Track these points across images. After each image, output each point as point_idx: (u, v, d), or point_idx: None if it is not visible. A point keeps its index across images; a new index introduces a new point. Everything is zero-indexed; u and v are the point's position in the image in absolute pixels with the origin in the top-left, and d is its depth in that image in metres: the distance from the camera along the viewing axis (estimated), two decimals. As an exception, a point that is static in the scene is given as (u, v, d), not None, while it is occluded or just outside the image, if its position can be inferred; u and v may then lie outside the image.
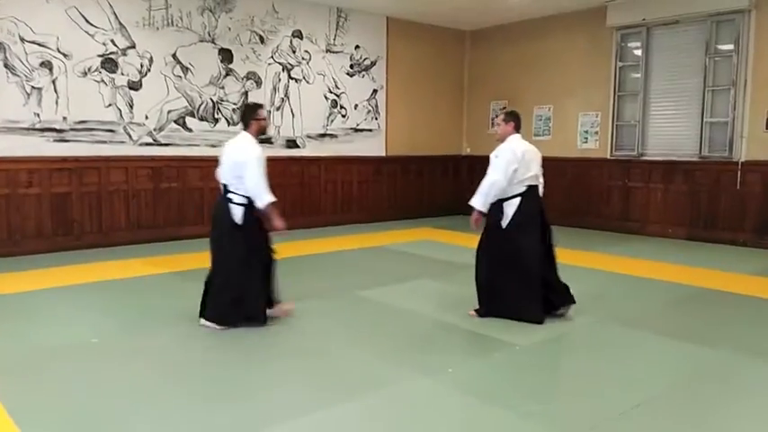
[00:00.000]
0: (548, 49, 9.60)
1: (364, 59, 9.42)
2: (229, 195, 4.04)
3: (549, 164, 9.27)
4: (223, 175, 4.11)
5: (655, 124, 8.48)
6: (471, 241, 7.96)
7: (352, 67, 9.29)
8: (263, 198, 3.99)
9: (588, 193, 9.13)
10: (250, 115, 4.16)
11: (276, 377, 3.40)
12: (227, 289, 4.04)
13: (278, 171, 8.48)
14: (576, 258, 6.63)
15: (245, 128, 4.17)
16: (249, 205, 4.02)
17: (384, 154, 9.77)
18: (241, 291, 4.04)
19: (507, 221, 4.30)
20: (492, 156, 4.42)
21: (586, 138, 9.22)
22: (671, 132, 8.32)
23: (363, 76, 9.44)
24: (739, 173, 7.57)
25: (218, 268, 4.09)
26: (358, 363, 3.57)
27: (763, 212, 7.40)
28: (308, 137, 8.88)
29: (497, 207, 4.32)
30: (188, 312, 4.31)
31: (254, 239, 4.07)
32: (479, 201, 4.34)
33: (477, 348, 3.89)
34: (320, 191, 9.04)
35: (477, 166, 11.01)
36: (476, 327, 4.21)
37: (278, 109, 8.54)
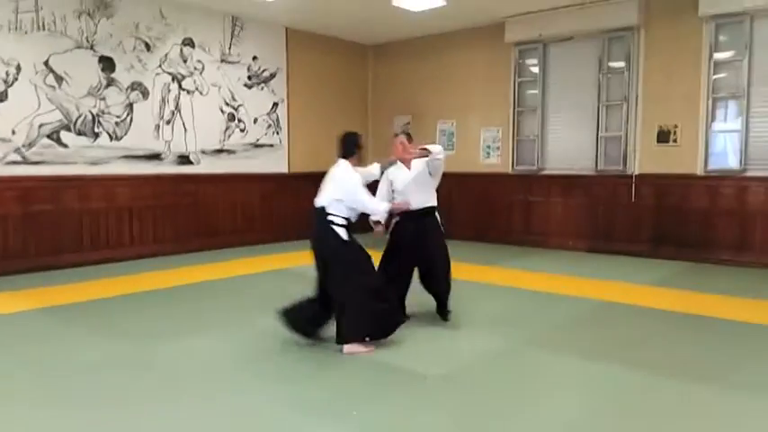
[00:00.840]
0: (450, 65, 9.60)
1: (263, 71, 8.98)
2: (330, 218, 4.02)
3: (454, 179, 9.32)
4: (323, 198, 4.09)
5: (553, 139, 8.65)
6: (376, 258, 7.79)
7: (250, 78, 8.82)
8: (380, 211, 4.16)
9: (492, 208, 9.17)
10: (355, 144, 4.23)
11: (154, 435, 2.91)
12: (371, 300, 3.97)
13: (168, 190, 7.89)
14: (482, 274, 6.53)
15: (346, 156, 4.17)
16: (348, 225, 4.07)
17: (287, 170, 9.35)
18: (384, 295, 4.06)
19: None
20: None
21: (489, 152, 9.26)
22: (568, 147, 8.52)
23: (263, 88, 8.99)
24: (633, 186, 7.83)
25: (348, 287, 3.96)
26: (245, 408, 3.15)
27: (657, 224, 7.68)
28: (203, 152, 8.30)
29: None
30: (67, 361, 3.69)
31: (363, 252, 4.07)
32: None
33: (384, 382, 3.58)
34: (218, 210, 8.46)
35: (383, 182, 10.85)
36: (380, 356, 3.91)
37: (168, 123, 7.91)
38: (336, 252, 4.02)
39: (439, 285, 4.65)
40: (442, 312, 4.70)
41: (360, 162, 4.26)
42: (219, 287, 6.08)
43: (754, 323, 4.68)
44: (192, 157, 8.18)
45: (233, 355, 3.99)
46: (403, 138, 4.60)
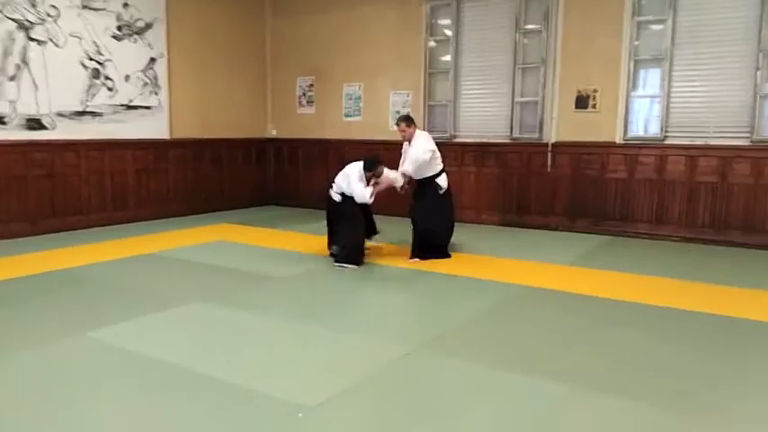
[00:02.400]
0: (357, 22, 8.64)
1: (136, 20, 7.66)
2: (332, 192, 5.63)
3: (362, 147, 8.47)
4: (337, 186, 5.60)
5: (466, 105, 7.94)
6: (273, 239, 6.85)
7: (120, 29, 7.49)
8: (365, 198, 5.48)
9: (403, 179, 8.37)
10: (372, 166, 5.53)
11: None
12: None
13: (14, 159, 6.56)
14: (390, 256, 5.75)
15: (366, 167, 5.51)
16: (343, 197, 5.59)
17: (169, 137, 8.14)
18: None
19: (443, 190, 5.70)
20: (422, 144, 5.60)
21: (399, 118, 8.43)
22: (482, 113, 7.84)
23: (136, 40, 7.68)
24: (549, 155, 7.28)
25: (346, 228, 5.45)
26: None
27: (573, 195, 7.18)
28: (60, 115, 6.95)
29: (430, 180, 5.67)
30: None
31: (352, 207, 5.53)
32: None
33: (253, 416, 2.71)
34: (80, 184, 7.17)
35: (287, 151, 9.86)
36: (254, 383, 3.03)
37: (12, 79, 6.52)
38: (336, 210, 5.62)
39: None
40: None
41: (373, 176, 5.53)
42: (61, 279, 4.94)
43: (679, 309, 4.17)
44: (45, 121, 6.82)
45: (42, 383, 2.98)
46: (404, 125, 5.65)
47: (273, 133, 9.62)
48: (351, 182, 5.47)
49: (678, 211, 6.57)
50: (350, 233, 5.46)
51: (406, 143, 5.76)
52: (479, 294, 4.56)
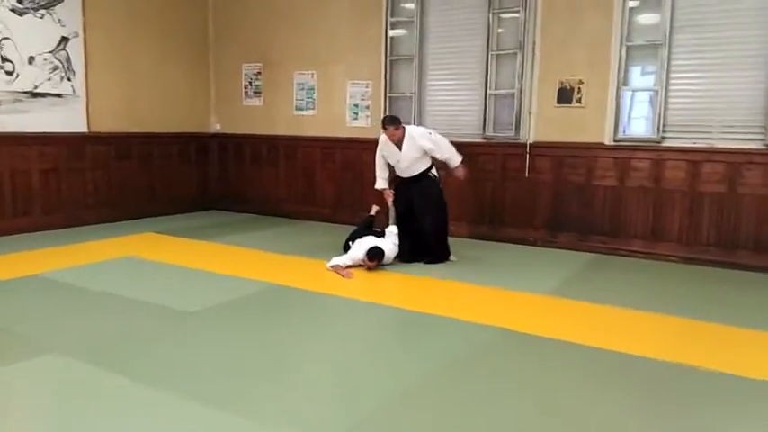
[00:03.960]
0: (309, 2, 7.52)
1: (43, -8, 6.47)
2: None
3: (316, 145, 7.36)
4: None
5: (433, 97, 6.88)
6: (202, 254, 5.71)
7: (21, 1, 6.29)
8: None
9: (360, 183, 7.30)
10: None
11: None
12: None
13: None
14: (302, 278, 4.67)
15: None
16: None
17: (86, 130, 6.95)
18: None
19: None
20: (429, 136, 5.38)
21: (356, 113, 7.35)
22: (451, 107, 6.78)
23: (43, 16, 6.48)
24: (528, 157, 6.24)
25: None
26: None
27: (555, 205, 6.15)
28: (-61, 103, 5.76)
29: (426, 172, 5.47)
30: None
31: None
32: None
33: None
34: (-34, 186, 5.98)
35: (232, 148, 8.71)
36: None
37: None
38: None
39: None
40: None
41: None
42: None
43: (681, 364, 3.14)
44: None
45: None
46: (393, 128, 5.27)
47: (217, 128, 8.46)
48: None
49: (678, 225, 5.58)
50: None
51: (385, 146, 5.41)
52: (435, 342, 3.49)
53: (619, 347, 3.39)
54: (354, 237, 5.49)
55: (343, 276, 4.87)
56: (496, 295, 4.46)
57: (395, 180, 5.63)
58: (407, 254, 5.34)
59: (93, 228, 6.77)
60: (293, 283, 4.59)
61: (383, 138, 5.46)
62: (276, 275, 4.83)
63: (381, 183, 5.60)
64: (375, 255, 5.01)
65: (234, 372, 3.00)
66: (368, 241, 5.21)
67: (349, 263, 5.10)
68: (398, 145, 5.30)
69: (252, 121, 8.13)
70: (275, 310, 4.04)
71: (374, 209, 6.09)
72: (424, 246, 5.35)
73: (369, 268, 5.04)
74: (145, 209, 7.55)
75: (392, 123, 5.27)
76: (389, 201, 5.60)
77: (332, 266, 5.04)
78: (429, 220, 5.34)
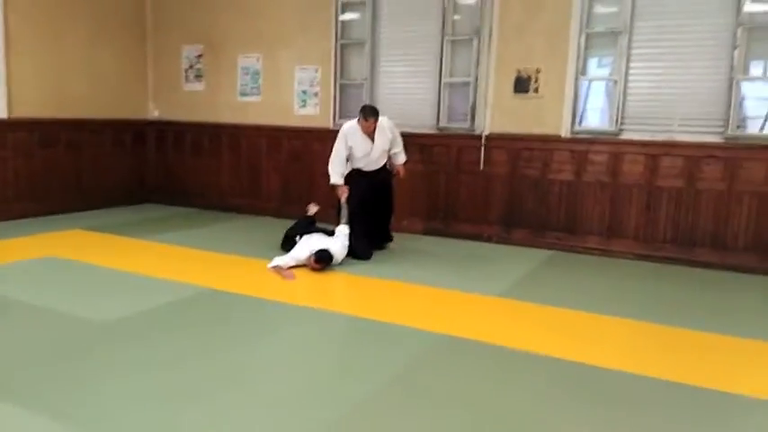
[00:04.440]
0: (255, -22, 7.05)
1: (-48, -39, 5.81)
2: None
3: (262, 134, 6.91)
4: None
5: (386, 85, 6.52)
6: (131, 254, 5.24)
7: (-74, -30, 5.63)
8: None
9: (309, 174, 6.90)
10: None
11: None
12: None
13: None
14: (243, 282, 4.29)
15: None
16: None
17: (6, 115, 6.33)
18: None
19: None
20: (393, 127, 5.34)
21: (304, 100, 6.93)
22: (405, 96, 6.44)
23: (-48, -13, 5.83)
24: (483, 149, 5.96)
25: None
26: None
27: (510, 200, 5.90)
28: None
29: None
30: None
31: None
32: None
33: None
34: None
35: (171, 136, 8.15)
36: None
37: None
38: None
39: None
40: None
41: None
42: None
43: (633, 374, 2.90)
44: None
45: None
46: (374, 120, 5.08)
47: (155, 114, 7.91)
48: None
49: (635, 222, 5.39)
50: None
51: (353, 137, 5.15)
52: (379, 355, 3.16)
53: (573, 356, 3.12)
54: (297, 231, 5.12)
55: (284, 278, 4.49)
56: (447, 298, 4.16)
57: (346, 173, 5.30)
58: (366, 248, 5.15)
59: (14, 223, 6.19)
60: (230, 288, 4.18)
61: (349, 128, 5.16)
62: (212, 279, 4.41)
63: (338, 178, 5.21)
64: (323, 259, 4.65)
65: (153, 396, 2.60)
66: (316, 241, 4.84)
67: (292, 263, 4.72)
68: (370, 136, 5.12)
69: (193, 107, 7.61)
70: (207, 320, 3.64)
71: (313, 209, 5.63)
72: (376, 234, 5.39)
73: (313, 269, 4.67)
74: (73, 202, 6.97)
75: (374, 115, 5.07)
76: (343, 198, 5.23)
77: (273, 267, 4.66)
78: (383, 210, 5.41)
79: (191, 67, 7.60)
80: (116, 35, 7.39)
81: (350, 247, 4.96)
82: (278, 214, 6.94)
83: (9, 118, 6.33)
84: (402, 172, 5.47)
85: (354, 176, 5.26)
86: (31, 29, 6.46)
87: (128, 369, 2.87)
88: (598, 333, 3.57)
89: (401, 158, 5.44)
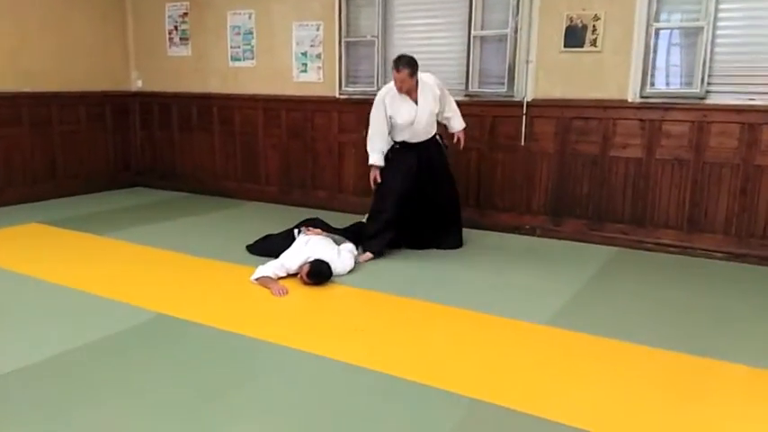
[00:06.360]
0: None
1: None
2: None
3: (257, 105, 5.89)
4: None
5: (402, 42, 5.31)
6: (75, 262, 4.54)
7: None
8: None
9: (313, 154, 5.82)
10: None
11: None
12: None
13: None
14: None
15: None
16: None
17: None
18: None
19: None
20: (439, 83, 4.22)
21: (305, 64, 5.78)
22: (425, 55, 5.16)
23: None
24: (524, 120, 4.76)
25: None
26: None
27: (560, 184, 4.72)
28: None
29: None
30: None
31: None
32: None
33: None
34: None
35: (156, 109, 7.05)
36: None
37: None
38: None
39: None
40: None
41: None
42: None
43: None
44: None
45: None
46: (408, 72, 3.92)
47: (139, 85, 6.84)
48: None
49: (725, 211, 4.18)
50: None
51: (394, 101, 4.03)
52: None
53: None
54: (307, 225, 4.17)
55: (272, 293, 3.46)
56: (470, 322, 3.06)
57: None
58: (407, 244, 4.31)
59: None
60: (194, 315, 3.14)
61: (387, 92, 4.07)
62: (174, 297, 3.40)
63: (378, 157, 4.14)
64: (318, 275, 3.60)
65: None
66: (317, 245, 3.80)
67: (282, 274, 3.69)
68: (413, 98, 4.04)
69: (179, 75, 6.52)
70: (142, 378, 2.61)
71: (305, 236, 4.04)
72: (433, 230, 4.34)
73: (305, 284, 3.63)
74: (43, 189, 6.02)
75: (408, 66, 3.92)
76: (376, 182, 4.19)
77: (257, 280, 3.63)
78: (442, 197, 4.28)
79: (175, 27, 6.48)
80: (88, -7, 6.30)
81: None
82: (279, 200, 5.95)
83: (-45, 93, 5.34)
84: (463, 139, 4.35)
85: (397, 153, 4.16)
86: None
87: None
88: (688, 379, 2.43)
89: (458, 123, 4.32)
